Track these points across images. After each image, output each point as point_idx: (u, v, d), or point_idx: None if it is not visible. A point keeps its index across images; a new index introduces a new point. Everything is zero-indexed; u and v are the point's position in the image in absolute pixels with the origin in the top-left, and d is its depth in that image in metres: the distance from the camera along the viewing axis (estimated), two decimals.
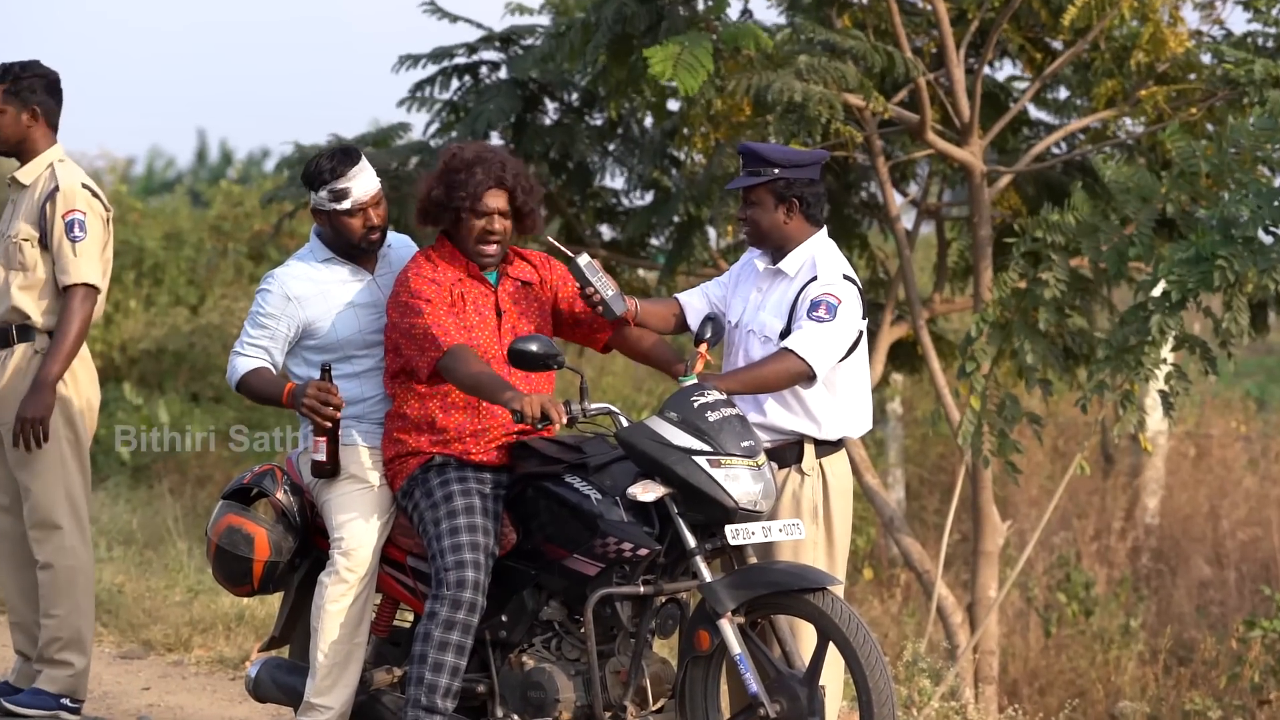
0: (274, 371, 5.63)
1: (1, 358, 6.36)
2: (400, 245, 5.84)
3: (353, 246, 5.66)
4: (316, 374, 5.60)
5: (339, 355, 5.63)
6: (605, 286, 5.49)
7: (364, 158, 5.65)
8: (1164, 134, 7.45)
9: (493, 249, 5.49)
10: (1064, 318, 7.46)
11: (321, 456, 5.54)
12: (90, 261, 6.30)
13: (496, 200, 5.46)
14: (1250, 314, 7.30)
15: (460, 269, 5.52)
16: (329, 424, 5.49)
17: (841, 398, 5.52)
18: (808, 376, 5.38)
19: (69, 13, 68.82)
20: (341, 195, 5.58)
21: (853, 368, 5.53)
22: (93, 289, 6.31)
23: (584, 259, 5.49)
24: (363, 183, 5.60)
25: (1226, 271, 6.71)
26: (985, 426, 7.42)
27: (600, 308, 5.50)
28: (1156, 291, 7.04)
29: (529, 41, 9.34)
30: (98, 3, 72.68)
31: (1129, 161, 8.69)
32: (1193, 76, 8.34)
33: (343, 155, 5.61)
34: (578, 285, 5.53)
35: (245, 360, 5.63)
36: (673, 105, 9.05)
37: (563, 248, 5.59)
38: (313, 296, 5.63)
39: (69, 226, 6.28)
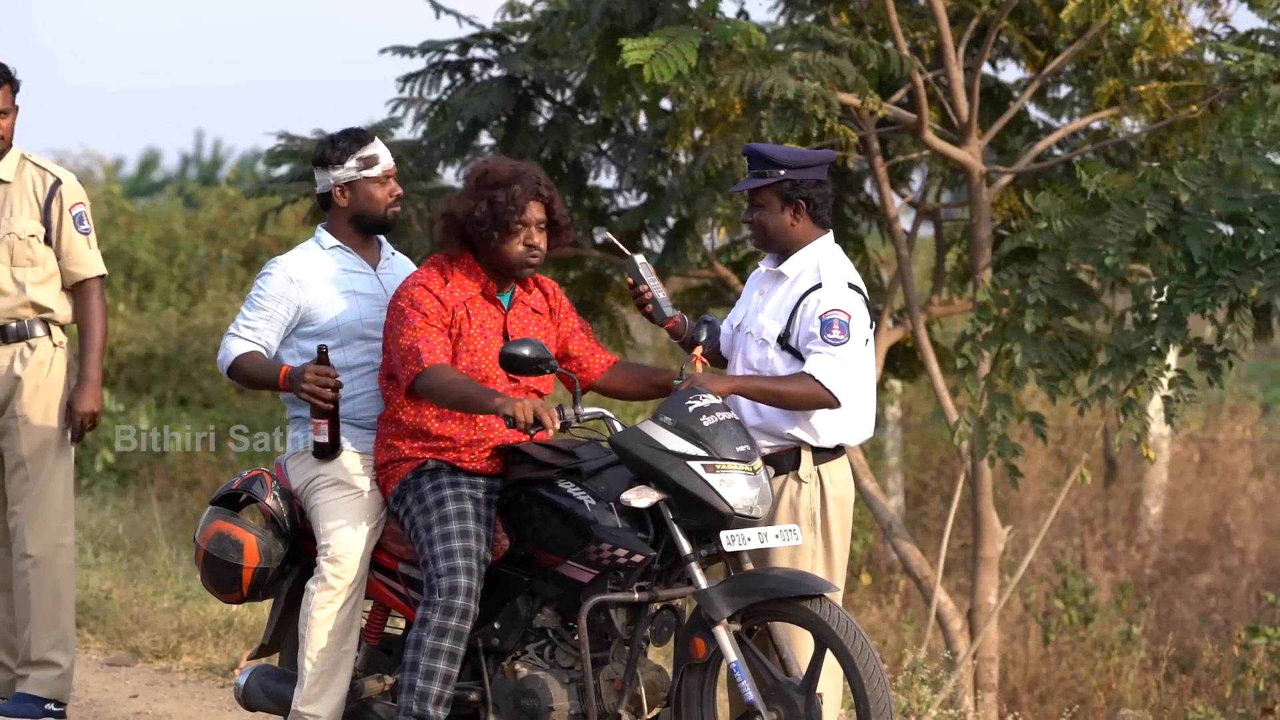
0: (267, 356, 5.58)
1: (15, 354, 6.33)
2: (400, 258, 5.86)
3: (379, 219, 5.68)
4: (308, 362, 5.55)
5: (335, 342, 5.59)
6: (657, 288, 5.59)
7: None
8: (1173, 167, 7.22)
9: (535, 260, 5.49)
10: (1055, 320, 7.39)
11: (324, 438, 5.50)
12: (98, 253, 6.48)
13: (538, 213, 5.47)
14: (1254, 321, 7.25)
15: (476, 286, 5.49)
16: (329, 406, 5.45)
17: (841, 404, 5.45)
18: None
19: (56, 6, 68.79)
20: (372, 161, 5.65)
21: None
22: (104, 279, 6.51)
23: (639, 258, 5.61)
24: (384, 152, 5.70)
25: (1231, 290, 6.71)
26: (984, 427, 7.39)
27: (650, 306, 5.57)
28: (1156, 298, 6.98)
29: (522, 39, 9.26)
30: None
31: (1132, 162, 8.63)
32: (1194, 74, 8.26)
33: (357, 130, 5.70)
34: (630, 283, 5.62)
35: (239, 343, 5.60)
36: (666, 104, 8.97)
37: (620, 244, 5.82)
38: (316, 280, 5.62)
39: (77, 220, 6.43)
